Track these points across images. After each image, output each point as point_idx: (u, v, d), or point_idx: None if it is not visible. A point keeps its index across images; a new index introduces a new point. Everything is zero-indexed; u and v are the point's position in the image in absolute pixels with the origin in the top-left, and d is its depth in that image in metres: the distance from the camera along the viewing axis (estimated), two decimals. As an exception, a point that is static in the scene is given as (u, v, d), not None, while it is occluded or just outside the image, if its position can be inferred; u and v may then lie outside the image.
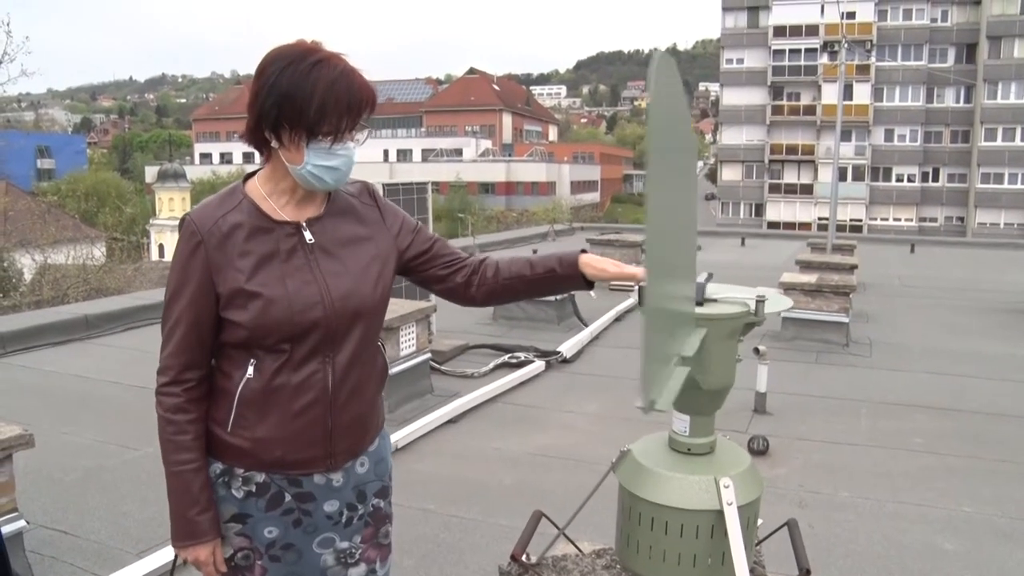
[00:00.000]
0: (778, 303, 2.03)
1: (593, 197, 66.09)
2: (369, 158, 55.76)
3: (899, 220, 46.61)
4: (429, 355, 6.05)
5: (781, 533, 2.42)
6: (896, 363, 7.27)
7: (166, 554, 3.32)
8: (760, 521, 2.08)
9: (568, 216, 33.97)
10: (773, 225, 45.52)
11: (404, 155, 66.83)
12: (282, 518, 1.73)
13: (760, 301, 1.95)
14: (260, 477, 1.70)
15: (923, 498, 4.25)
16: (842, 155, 35.90)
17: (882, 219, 47.06)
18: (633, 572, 2.04)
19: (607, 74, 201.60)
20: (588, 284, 1.89)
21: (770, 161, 49.28)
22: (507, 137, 77.46)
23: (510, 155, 69.42)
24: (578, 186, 63.98)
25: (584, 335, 7.91)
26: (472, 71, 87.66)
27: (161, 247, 40.05)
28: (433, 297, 3.82)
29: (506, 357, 6.97)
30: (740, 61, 49.36)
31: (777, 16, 47.52)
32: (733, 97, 49.99)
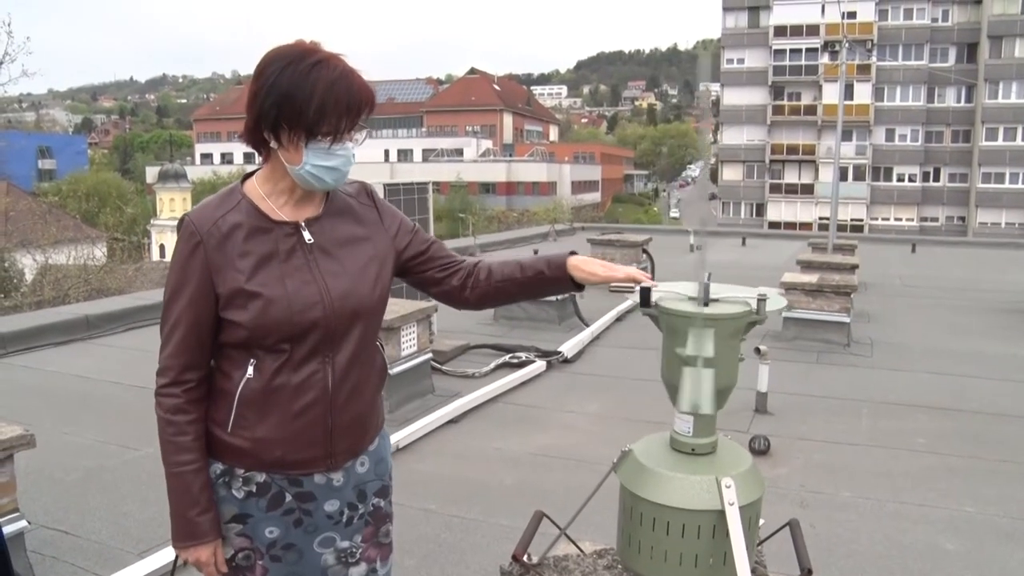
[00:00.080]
0: (774, 303, 2.03)
1: (594, 197, 66.08)
2: (370, 158, 55.79)
3: (900, 220, 46.60)
4: (430, 355, 6.05)
5: (782, 533, 2.41)
6: (897, 363, 7.27)
7: (167, 554, 3.32)
8: (761, 521, 2.07)
9: (569, 216, 33.97)
10: (774, 225, 45.50)
11: (405, 155, 66.85)
12: (283, 518, 1.73)
13: (762, 300, 1.94)
14: (260, 477, 1.70)
15: (924, 498, 4.24)
16: (843, 155, 35.92)
17: (883, 219, 47.04)
18: (634, 572, 2.04)
19: (608, 74, 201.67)
20: (578, 286, 1.89)
21: (771, 161, 49.27)
22: (508, 137, 77.49)
23: (511, 155, 69.43)
24: (579, 186, 63.98)
25: (585, 335, 7.90)
26: (473, 71, 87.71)
27: (162, 247, 40.06)
28: (434, 297, 3.82)
29: (507, 357, 6.96)
30: (741, 61, 49.34)
31: (778, 16, 47.50)
32: (734, 97, 49.95)
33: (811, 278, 8.16)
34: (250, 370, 1.66)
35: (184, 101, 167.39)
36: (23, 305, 16.42)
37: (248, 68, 1.69)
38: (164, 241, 40.23)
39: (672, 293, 2.00)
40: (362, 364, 1.75)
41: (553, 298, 8.43)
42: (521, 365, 6.78)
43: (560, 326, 8.44)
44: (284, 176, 1.67)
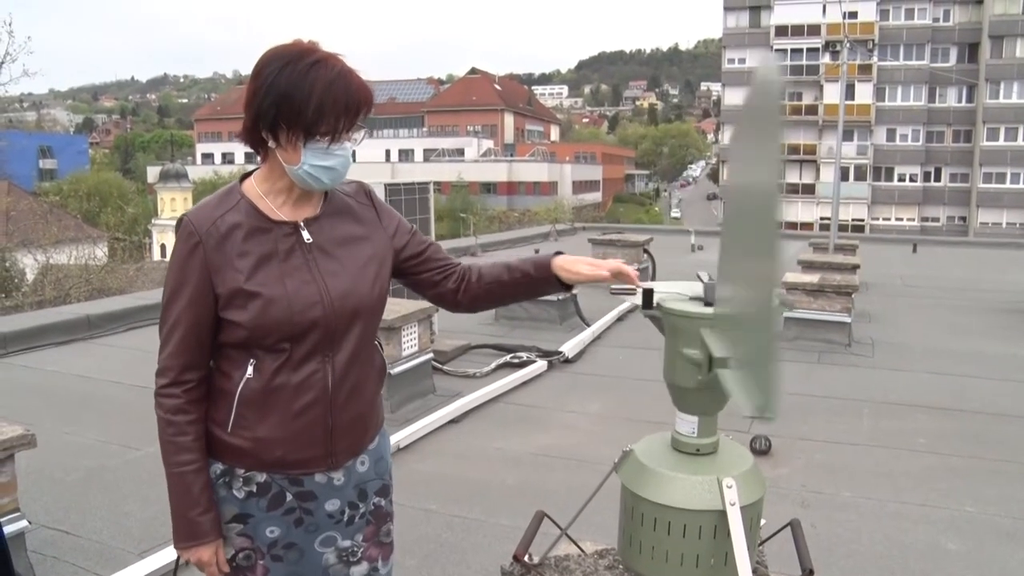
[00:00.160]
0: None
1: (595, 197, 66.08)
2: (371, 158, 55.81)
3: (901, 220, 46.57)
4: (431, 355, 6.05)
5: (784, 533, 2.41)
6: (898, 363, 7.26)
7: (168, 554, 3.32)
8: (763, 521, 2.07)
9: (570, 216, 33.97)
10: (775, 225, 45.40)
11: (406, 155, 66.85)
12: (283, 517, 1.73)
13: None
14: (261, 477, 1.70)
15: (925, 498, 4.24)
16: (844, 155, 35.86)
17: (884, 219, 47.02)
18: (636, 572, 2.04)
19: (609, 74, 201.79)
20: (565, 286, 1.88)
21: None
22: (509, 137, 77.48)
23: (512, 155, 69.40)
24: (580, 186, 63.97)
25: (586, 335, 7.90)
26: (474, 71, 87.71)
27: (163, 247, 40.10)
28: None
29: (508, 357, 6.96)
30: (742, 61, 49.33)
31: (779, 16, 47.50)
32: (735, 97, 49.89)
33: (812, 278, 8.16)
34: (250, 370, 1.66)
35: (185, 101, 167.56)
36: (24, 305, 16.43)
37: (249, 68, 1.69)
38: (165, 241, 40.27)
39: (674, 294, 2.00)
40: (362, 363, 1.75)
41: (554, 298, 8.43)
42: (522, 365, 6.78)
43: (561, 326, 8.44)
44: (282, 176, 1.67)
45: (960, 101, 45.74)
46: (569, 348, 7.25)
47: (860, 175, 46.87)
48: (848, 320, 7.90)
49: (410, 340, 5.66)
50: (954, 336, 8.63)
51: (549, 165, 63.31)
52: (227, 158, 69.15)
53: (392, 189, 7.07)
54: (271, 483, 1.71)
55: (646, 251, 11.18)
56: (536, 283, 1.89)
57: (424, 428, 5.14)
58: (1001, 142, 44.10)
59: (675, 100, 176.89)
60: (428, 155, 66.34)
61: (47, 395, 6.05)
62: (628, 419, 5.46)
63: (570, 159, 70.20)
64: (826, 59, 45.76)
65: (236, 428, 1.68)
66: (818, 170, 47.87)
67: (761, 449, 4.77)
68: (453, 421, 5.44)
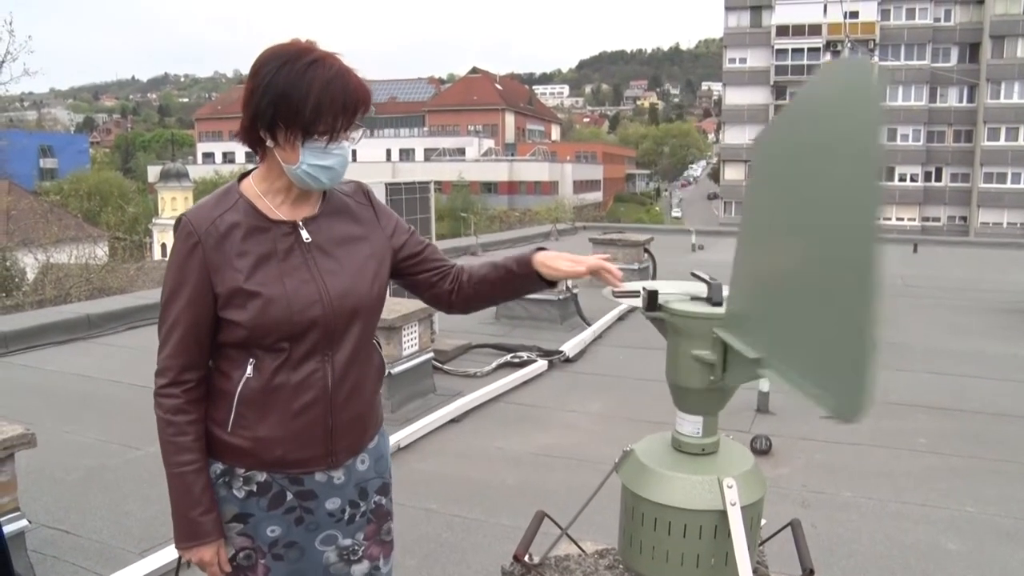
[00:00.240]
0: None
1: (596, 196, 66.08)
2: (371, 157, 55.85)
3: (902, 220, 46.55)
4: (432, 354, 6.05)
5: (784, 533, 2.41)
6: (898, 363, 7.25)
7: (168, 553, 3.32)
8: (763, 521, 2.07)
9: (571, 215, 33.93)
10: (776, 224, 45.41)
11: (407, 154, 66.86)
12: (284, 516, 1.73)
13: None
14: (261, 477, 1.70)
15: (926, 498, 4.24)
16: (845, 154, 35.77)
17: (885, 219, 46.98)
18: (636, 572, 2.04)
19: (610, 73, 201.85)
20: (549, 283, 1.88)
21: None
22: (510, 136, 77.50)
23: (513, 154, 69.40)
24: (581, 185, 63.96)
25: (587, 334, 7.90)
26: (475, 71, 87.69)
27: (164, 246, 40.09)
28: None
29: (509, 356, 6.96)
30: (743, 60, 49.34)
31: (780, 15, 47.52)
32: (736, 97, 49.97)
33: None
34: (249, 369, 1.66)
35: (186, 100, 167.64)
36: (24, 304, 16.42)
37: (249, 67, 1.69)
38: (166, 240, 40.25)
39: (676, 295, 2.00)
40: (361, 362, 1.75)
41: (555, 297, 8.44)
42: (523, 364, 6.77)
43: (562, 325, 8.44)
44: (280, 175, 1.67)
45: (961, 101, 45.75)
46: (570, 348, 7.25)
47: (861, 175, 46.79)
48: (849, 320, 7.88)
49: (411, 340, 5.66)
50: (954, 336, 8.62)
51: (550, 165, 63.30)
52: (228, 157, 69.15)
53: (393, 188, 7.06)
54: (271, 482, 1.71)
55: (647, 251, 11.17)
56: (519, 279, 1.88)
57: (424, 427, 5.14)
58: (1002, 142, 44.10)
59: (676, 100, 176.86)
60: (429, 154, 66.33)
61: (47, 394, 6.05)
62: (629, 419, 5.46)
63: (571, 159, 70.16)
64: (827, 59, 45.72)
65: (236, 428, 1.68)
66: (819, 170, 47.78)
67: (761, 449, 4.77)
68: (454, 421, 5.44)
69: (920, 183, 46.83)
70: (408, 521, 3.76)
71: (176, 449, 1.66)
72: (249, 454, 1.68)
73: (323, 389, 1.68)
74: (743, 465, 1.99)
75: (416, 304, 5.69)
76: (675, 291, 2.01)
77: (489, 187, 59.55)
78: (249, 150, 1.70)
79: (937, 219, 46.61)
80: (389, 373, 5.33)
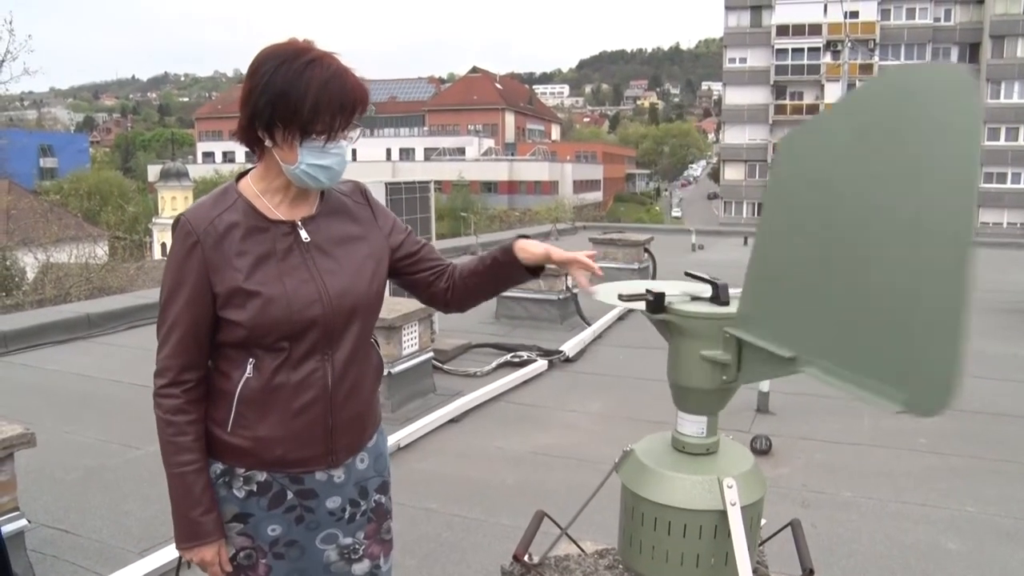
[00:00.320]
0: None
1: (596, 196, 66.05)
2: (372, 157, 55.82)
3: (902, 219, 46.52)
4: (431, 354, 6.05)
5: (784, 533, 2.41)
6: (899, 363, 7.25)
7: (168, 553, 3.32)
8: (763, 521, 2.07)
9: (571, 215, 33.93)
10: (776, 224, 45.40)
11: (407, 154, 66.82)
12: (284, 516, 1.73)
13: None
14: (261, 476, 1.70)
15: (926, 498, 4.24)
16: (845, 154, 35.79)
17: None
18: (636, 572, 2.03)
19: (610, 73, 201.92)
20: (532, 272, 1.87)
21: (773, 160, 49.26)
22: (510, 136, 77.46)
23: (513, 154, 69.37)
24: (581, 185, 63.93)
25: (587, 334, 7.90)
26: (475, 70, 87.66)
27: (163, 246, 40.05)
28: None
29: (509, 356, 6.96)
30: (743, 60, 49.33)
31: (780, 15, 47.50)
32: (736, 96, 49.95)
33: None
34: (249, 369, 1.66)
35: (186, 99, 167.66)
36: (24, 303, 16.41)
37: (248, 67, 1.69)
38: (166, 240, 40.22)
39: (677, 295, 1.99)
40: (360, 361, 1.76)
41: (555, 296, 8.44)
42: (523, 364, 6.78)
43: (562, 325, 8.44)
44: (279, 175, 1.67)
45: (961, 101, 45.69)
46: (570, 347, 7.25)
47: (861, 175, 46.82)
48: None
49: (410, 339, 5.66)
50: (955, 336, 8.61)
51: (550, 164, 63.26)
52: (228, 157, 69.08)
53: (393, 188, 7.06)
54: (271, 482, 1.71)
55: (647, 250, 11.17)
56: (503, 267, 1.87)
57: (424, 427, 5.14)
58: (1002, 142, 44.07)
59: (676, 99, 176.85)
60: (429, 154, 66.29)
61: (47, 394, 6.05)
62: (629, 418, 5.46)
63: (571, 158, 70.12)
64: (827, 59, 45.72)
65: (236, 428, 1.67)
66: (819, 170, 47.79)
67: (761, 449, 4.77)
68: (453, 420, 5.44)
69: (920, 183, 46.77)
70: (408, 521, 3.76)
71: (176, 449, 1.66)
72: (249, 454, 1.68)
73: (323, 388, 1.68)
74: (743, 465, 1.98)
75: (416, 304, 5.68)
76: (672, 291, 2.01)
77: (489, 187, 59.52)
78: (248, 149, 1.70)
79: (937, 219, 46.57)
80: (389, 373, 5.33)
